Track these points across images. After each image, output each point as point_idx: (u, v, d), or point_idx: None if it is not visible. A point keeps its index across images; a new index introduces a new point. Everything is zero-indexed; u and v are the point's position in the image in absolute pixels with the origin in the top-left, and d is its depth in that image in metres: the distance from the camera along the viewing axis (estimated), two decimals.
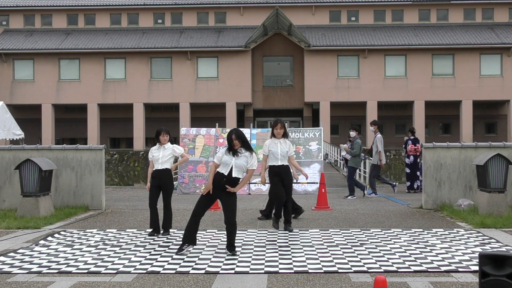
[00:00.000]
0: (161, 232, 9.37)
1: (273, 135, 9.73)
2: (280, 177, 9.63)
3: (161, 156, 9.47)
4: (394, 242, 8.47)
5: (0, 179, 12.74)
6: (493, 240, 8.56)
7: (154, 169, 9.50)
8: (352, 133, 16.01)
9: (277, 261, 7.20)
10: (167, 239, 8.96)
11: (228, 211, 7.69)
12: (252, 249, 8.02)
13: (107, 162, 37.50)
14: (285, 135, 9.69)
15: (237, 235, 9.26)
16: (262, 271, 6.64)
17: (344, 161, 21.07)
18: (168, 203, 9.51)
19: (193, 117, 38.98)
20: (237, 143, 7.74)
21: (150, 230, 9.43)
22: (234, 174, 7.68)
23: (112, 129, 41.82)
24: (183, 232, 9.62)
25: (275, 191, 9.67)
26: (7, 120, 19.34)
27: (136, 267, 6.92)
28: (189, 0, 40.77)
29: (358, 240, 8.66)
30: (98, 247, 8.24)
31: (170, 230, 9.59)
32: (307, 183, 16.75)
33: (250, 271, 6.65)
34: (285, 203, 9.66)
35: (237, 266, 6.90)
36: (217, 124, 20.72)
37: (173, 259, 7.40)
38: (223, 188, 7.65)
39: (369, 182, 16.68)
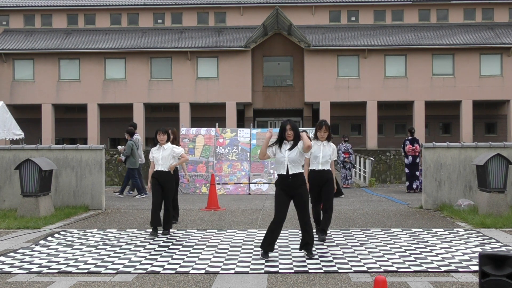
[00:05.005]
0: (161, 231, 9.36)
1: (316, 137, 8.87)
2: (319, 183, 8.68)
3: (161, 157, 9.39)
4: (394, 242, 8.47)
5: (0, 179, 12.74)
6: (493, 240, 8.56)
7: (155, 170, 9.44)
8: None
9: (277, 261, 7.20)
10: (167, 239, 8.96)
11: (302, 209, 7.43)
12: (252, 249, 8.02)
13: (107, 162, 37.51)
14: (328, 138, 8.83)
15: (236, 235, 9.27)
16: (262, 271, 6.64)
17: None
18: (168, 203, 9.45)
19: (193, 117, 38.94)
20: (290, 134, 7.38)
21: (151, 229, 9.39)
22: (290, 172, 7.31)
23: (112, 129, 41.79)
24: (183, 232, 9.64)
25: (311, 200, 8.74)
26: (7, 120, 19.34)
27: (136, 267, 6.91)
28: (189, 0, 40.73)
29: (358, 240, 8.67)
30: (98, 247, 8.24)
31: (170, 230, 9.58)
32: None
33: (250, 271, 6.64)
34: (325, 210, 8.77)
35: (237, 266, 6.90)
36: (217, 124, 20.72)
37: (173, 259, 7.40)
38: (293, 187, 7.30)
39: (132, 184, 16.63)
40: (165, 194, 9.43)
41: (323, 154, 8.66)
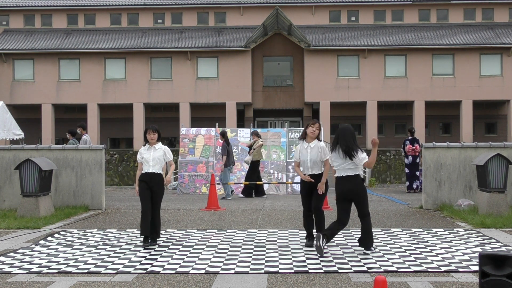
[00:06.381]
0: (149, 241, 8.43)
1: (305, 134, 8.30)
2: (310, 187, 8.20)
3: (152, 158, 8.52)
4: (394, 242, 8.47)
5: (0, 179, 12.74)
6: (493, 240, 8.56)
7: (143, 172, 8.56)
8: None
9: (277, 261, 7.20)
10: (167, 239, 8.95)
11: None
12: (252, 249, 8.02)
13: (107, 162, 37.51)
14: (318, 137, 8.26)
15: (236, 235, 9.26)
16: (262, 271, 6.64)
17: None
18: (157, 209, 8.59)
19: (193, 117, 38.95)
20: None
21: (142, 238, 8.52)
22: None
23: (112, 129, 41.79)
24: (183, 232, 9.64)
25: (302, 203, 8.43)
26: (7, 120, 19.34)
27: (136, 267, 6.91)
28: (189, 0, 40.73)
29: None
30: (98, 247, 8.24)
31: (169, 230, 9.52)
32: None
33: (250, 271, 6.64)
34: (315, 214, 8.28)
35: (237, 266, 6.90)
36: (217, 124, 20.72)
37: (173, 259, 7.40)
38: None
39: None
40: (155, 198, 8.54)
41: (310, 157, 8.14)
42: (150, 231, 8.42)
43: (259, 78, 40.05)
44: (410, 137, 17.95)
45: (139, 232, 9.53)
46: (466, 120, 37.47)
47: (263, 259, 7.31)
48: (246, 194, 16.56)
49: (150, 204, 8.51)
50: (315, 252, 7.70)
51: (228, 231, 9.69)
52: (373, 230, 9.59)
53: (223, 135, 16.16)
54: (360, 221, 7.86)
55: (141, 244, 8.46)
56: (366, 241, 7.70)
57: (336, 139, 7.82)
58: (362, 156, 7.64)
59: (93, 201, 12.76)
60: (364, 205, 7.78)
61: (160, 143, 8.71)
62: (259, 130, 19.00)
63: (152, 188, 8.51)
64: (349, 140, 7.68)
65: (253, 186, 16.46)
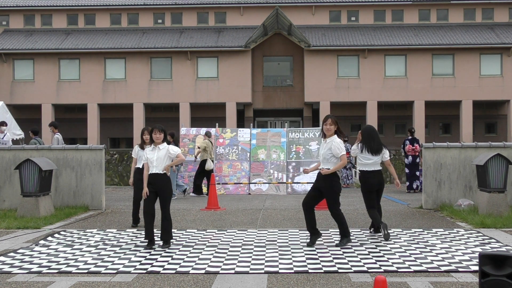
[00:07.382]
0: (161, 244, 8.34)
1: (323, 134, 8.43)
2: (317, 183, 8.35)
3: (156, 157, 8.34)
4: (394, 242, 8.48)
5: (0, 179, 12.75)
6: (493, 240, 8.56)
7: (148, 173, 8.40)
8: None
9: (277, 261, 7.20)
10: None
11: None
12: (252, 249, 8.02)
13: (107, 162, 37.51)
14: (337, 133, 8.33)
15: (236, 235, 9.26)
16: (262, 271, 6.64)
17: None
18: (167, 211, 8.36)
19: (193, 117, 38.93)
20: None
21: (146, 242, 8.39)
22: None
23: (112, 129, 41.80)
24: (183, 232, 9.64)
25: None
26: (7, 120, 19.34)
27: (136, 267, 6.91)
28: (189, 0, 40.73)
29: (358, 240, 8.67)
30: (98, 247, 8.24)
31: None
32: (307, 183, 16.75)
33: (250, 271, 6.64)
34: (333, 217, 8.44)
35: (237, 266, 6.90)
36: (217, 124, 20.70)
37: (173, 259, 7.40)
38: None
39: None
40: (162, 200, 8.34)
41: (322, 152, 8.37)
42: (161, 233, 8.34)
43: (259, 78, 40.05)
44: (410, 137, 17.96)
45: (140, 232, 9.56)
46: (466, 120, 37.46)
47: (263, 259, 7.31)
48: (196, 193, 17.15)
49: (152, 206, 8.32)
50: (315, 252, 7.71)
51: (228, 231, 9.69)
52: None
53: (172, 135, 15.91)
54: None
55: (141, 244, 8.47)
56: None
57: (364, 139, 9.10)
58: (386, 156, 9.06)
59: (93, 201, 12.77)
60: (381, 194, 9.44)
61: (165, 143, 8.52)
62: (259, 130, 18.99)
63: (158, 191, 8.32)
64: (375, 139, 9.04)
65: (199, 184, 17.09)
